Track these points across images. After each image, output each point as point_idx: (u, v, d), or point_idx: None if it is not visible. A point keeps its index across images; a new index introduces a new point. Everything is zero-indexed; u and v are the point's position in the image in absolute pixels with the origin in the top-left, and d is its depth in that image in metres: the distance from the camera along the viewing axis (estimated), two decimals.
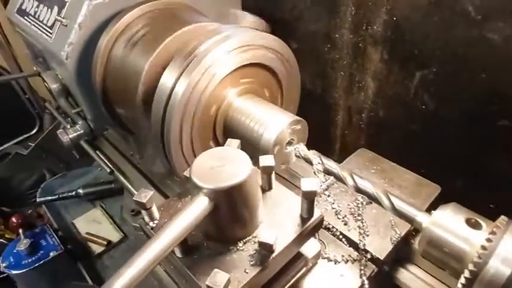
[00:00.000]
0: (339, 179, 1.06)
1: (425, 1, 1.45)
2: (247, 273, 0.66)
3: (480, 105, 1.47)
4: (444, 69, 1.51)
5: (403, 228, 1.07)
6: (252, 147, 1.01)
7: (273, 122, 1.01)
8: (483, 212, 1.62)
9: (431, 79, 1.56)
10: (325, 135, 2.14)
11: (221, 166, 0.67)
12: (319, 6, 1.83)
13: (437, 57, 1.51)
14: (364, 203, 1.15)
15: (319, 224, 0.75)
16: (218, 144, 1.14)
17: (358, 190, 1.02)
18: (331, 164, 1.08)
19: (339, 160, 1.58)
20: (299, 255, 0.79)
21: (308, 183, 0.68)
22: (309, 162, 1.10)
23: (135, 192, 1.69)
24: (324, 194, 1.19)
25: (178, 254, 0.70)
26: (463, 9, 1.35)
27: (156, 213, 0.74)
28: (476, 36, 1.36)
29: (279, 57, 1.17)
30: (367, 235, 1.06)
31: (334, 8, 1.76)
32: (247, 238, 0.72)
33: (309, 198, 0.70)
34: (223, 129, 1.11)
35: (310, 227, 0.73)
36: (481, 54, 1.38)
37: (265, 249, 0.66)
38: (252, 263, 0.67)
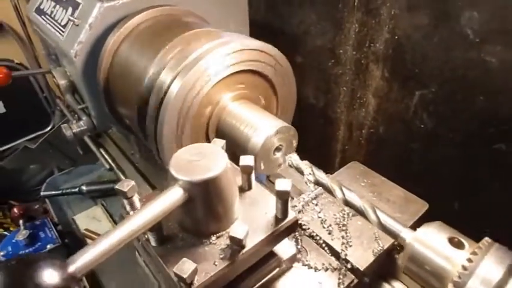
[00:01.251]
0: (328, 190, 1.08)
1: (426, 21, 1.48)
2: (215, 265, 0.67)
3: (477, 126, 1.47)
4: (443, 90, 1.52)
5: (387, 242, 1.07)
6: (242, 151, 1.04)
7: (262, 126, 1.03)
8: (478, 236, 1.61)
9: (430, 99, 1.58)
10: (325, 149, 2.16)
11: (198, 160, 0.70)
12: (325, 22, 1.87)
13: (436, 78, 1.52)
14: (351, 214, 1.15)
15: (293, 226, 0.77)
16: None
17: (346, 202, 1.04)
18: (321, 176, 1.10)
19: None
20: (272, 255, 0.80)
21: (282, 183, 0.70)
22: (301, 172, 1.13)
23: None
24: (312, 203, 1.20)
25: (153, 243, 0.72)
26: (462, 31, 1.37)
27: (137, 203, 0.77)
28: (474, 58, 1.38)
29: (275, 66, 1.20)
30: (350, 245, 1.06)
31: (339, 24, 1.80)
32: (221, 233, 0.74)
33: (283, 198, 0.72)
34: (216, 132, 1.14)
35: (283, 228, 0.75)
36: (479, 76, 1.39)
37: (235, 244, 0.68)
38: (221, 256, 0.69)
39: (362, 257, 1.04)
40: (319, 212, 1.17)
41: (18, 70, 3.08)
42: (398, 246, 1.10)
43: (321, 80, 2.03)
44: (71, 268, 0.53)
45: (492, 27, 1.29)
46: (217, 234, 0.74)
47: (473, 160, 1.54)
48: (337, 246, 1.07)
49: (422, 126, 1.66)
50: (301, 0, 1.96)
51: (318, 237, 1.10)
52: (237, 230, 0.67)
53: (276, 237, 0.75)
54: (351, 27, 1.76)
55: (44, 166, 2.95)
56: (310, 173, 1.12)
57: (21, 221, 2.00)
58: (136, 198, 0.78)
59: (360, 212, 1.03)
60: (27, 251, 1.91)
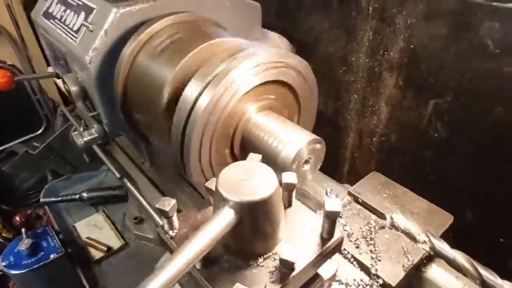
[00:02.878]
0: (448, 261, 1.03)
1: (444, 32, 1.48)
2: None
3: (493, 138, 1.48)
4: (459, 100, 1.53)
5: (416, 255, 1.06)
6: (269, 164, 1.01)
7: (293, 139, 1.01)
8: (491, 245, 1.62)
9: (445, 108, 1.58)
10: (333, 157, 2.15)
11: (247, 180, 0.67)
12: (337, 30, 1.86)
13: (452, 88, 1.53)
14: (377, 227, 1.14)
15: (339, 246, 0.75)
16: (235, 156, 1.15)
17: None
18: (442, 246, 1.04)
19: (348, 183, 1.58)
20: (316, 276, 0.78)
21: (332, 204, 0.68)
22: (411, 237, 1.08)
23: (142, 200, 1.69)
24: None
25: (197, 265, 0.69)
26: (482, 42, 1.38)
27: (176, 223, 0.74)
28: (493, 69, 1.38)
29: (300, 77, 1.19)
30: (379, 260, 1.05)
31: (352, 32, 1.80)
32: (268, 254, 0.71)
33: (332, 218, 0.70)
34: (241, 143, 1.11)
35: (330, 248, 0.73)
36: (497, 87, 1.40)
37: (286, 266, 0.66)
38: (272, 279, 0.67)
39: (392, 271, 1.03)
40: (345, 226, 1.16)
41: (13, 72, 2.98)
42: (425, 259, 1.09)
43: (331, 87, 2.02)
44: None
45: None
46: (264, 256, 0.71)
47: (488, 170, 1.55)
48: (366, 261, 1.05)
49: (436, 135, 1.66)
50: (312, 7, 1.95)
51: (345, 252, 1.09)
52: (287, 252, 0.65)
53: (323, 257, 0.73)
54: (365, 34, 1.75)
55: (39, 171, 2.87)
56: (424, 241, 1.06)
57: (23, 230, 1.93)
58: (175, 217, 0.75)
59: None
60: (29, 261, 1.85)
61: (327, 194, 1.35)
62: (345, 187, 1.42)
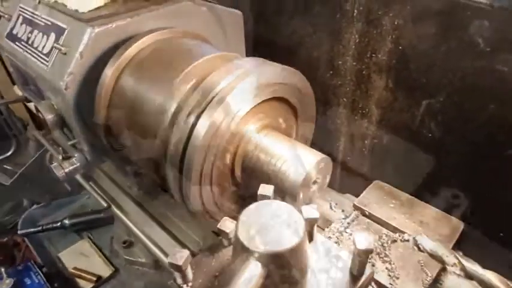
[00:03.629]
0: (481, 282, 0.98)
1: (433, 31, 1.46)
2: None
3: (487, 135, 1.47)
4: (451, 99, 1.51)
5: (433, 269, 1.03)
6: (277, 187, 0.95)
7: (300, 161, 0.95)
8: (490, 243, 1.62)
9: (438, 108, 1.56)
10: None
11: (271, 225, 0.60)
12: (321, 33, 1.81)
13: (444, 87, 1.51)
14: (389, 241, 1.10)
15: (370, 282, 0.70)
16: (236, 182, 1.07)
17: None
18: (471, 266, 0.99)
19: (340, 189, 1.54)
20: None
21: (363, 240, 0.62)
22: (440, 260, 1.02)
23: (130, 224, 1.59)
24: (346, 232, 1.14)
25: None
26: (472, 40, 1.36)
27: (190, 274, 0.67)
28: (484, 67, 1.37)
29: (296, 91, 1.13)
30: (397, 278, 1.01)
31: (337, 35, 1.75)
32: None
33: (364, 256, 0.64)
34: (243, 169, 1.04)
35: (363, 286, 0.67)
36: (489, 85, 1.38)
37: None
38: None
39: None
40: None
41: None
42: (442, 271, 1.07)
43: (318, 92, 1.96)
44: None
45: (504, 36, 1.28)
46: None
47: (484, 169, 1.54)
48: (384, 280, 1.01)
49: (430, 135, 1.64)
50: (293, 11, 1.89)
51: None
52: None
53: None
54: (351, 38, 1.71)
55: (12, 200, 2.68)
56: (455, 264, 1.01)
57: (2, 269, 1.78)
58: (189, 269, 0.67)
59: None
60: None
61: (331, 207, 1.31)
62: (346, 197, 1.38)
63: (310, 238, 0.75)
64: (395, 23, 1.53)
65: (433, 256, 1.01)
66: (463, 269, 0.99)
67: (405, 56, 1.57)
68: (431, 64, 1.51)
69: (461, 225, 1.15)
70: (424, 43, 1.49)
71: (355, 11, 1.63)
